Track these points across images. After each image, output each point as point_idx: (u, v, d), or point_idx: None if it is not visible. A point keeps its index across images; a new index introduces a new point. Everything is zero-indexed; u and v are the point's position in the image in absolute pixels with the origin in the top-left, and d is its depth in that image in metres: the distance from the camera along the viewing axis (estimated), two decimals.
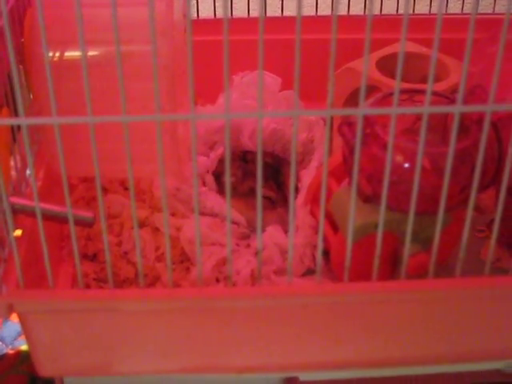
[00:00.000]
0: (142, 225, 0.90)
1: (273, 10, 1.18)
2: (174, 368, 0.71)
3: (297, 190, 0.92)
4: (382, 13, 1.16)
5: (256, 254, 0.84)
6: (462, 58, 0.54)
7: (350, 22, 1.07)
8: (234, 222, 0.90)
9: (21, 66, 0.79)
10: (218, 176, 0.97)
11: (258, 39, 0.51)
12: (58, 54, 0.74)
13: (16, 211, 0.67)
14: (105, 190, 0.95)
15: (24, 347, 0.85)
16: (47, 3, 0.74)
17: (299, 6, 0.50)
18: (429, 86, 0.54)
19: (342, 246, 0.71)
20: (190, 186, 0.91)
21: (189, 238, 0.86)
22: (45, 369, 0.70)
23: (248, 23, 1.10)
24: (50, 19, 0.72)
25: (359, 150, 0.58)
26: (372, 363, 0.73)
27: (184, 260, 0.86)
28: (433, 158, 0.69)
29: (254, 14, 1.16)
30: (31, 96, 0.79)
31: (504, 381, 0.77)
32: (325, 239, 0.82)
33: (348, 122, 0.71)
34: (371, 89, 0.87)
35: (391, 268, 0.77)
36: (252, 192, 0.95)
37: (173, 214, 0.91)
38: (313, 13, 1.16)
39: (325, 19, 1.11)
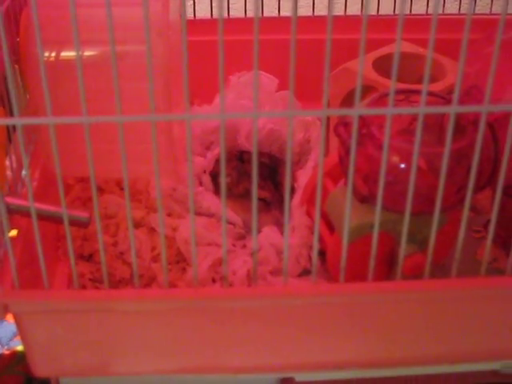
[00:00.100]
0: (138, 225, 0.89)
1: (270, 11, 1.18)
2: (169, 368, 0.71)
3: (293, 190, 0.92)
4: (379, 13, 1.16)
5: (252, 254, 0.84)
6: (459, 58, 0.54)
7: (346, 22, 1.07)
8: (230, 223, 0.90)
9: (17, 66, 0.79)
10: (214, 176, 0.97)
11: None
12: (53, 54, 0.74)
13: (11, 211, 0.67)
14: (101, 191, 0.95)
15: (20, 348, 0.85)
16: (43, 3, 0.74)
17: (295, 7, 0.50)
18: (424, 87, 0.54)
19: (338, 246, 0.71)
20: (186, 187, 0.90)
21: (185, 239, 0.86)
22: (40, 369, 0.70)
23: (245, 23, 1.10)
24: (46, 19, 0.72)
25: (355, 150, 0.57)
26: (368, 364, 0.73)
27: (180, 260, 0.86)
28: (429, 158, 0.69)
29: (251, 14, 1.16)
30: (27, 96, 0.79)
31: (501, 381, 0.77)
32: (321, 239, 0.82)
33: (344, 123, 0.71)
34: (368, 89, 0.87)
35: (387, 268, 0.77)
36: (248, 193, 0.95)
37: (169, 215, 0.91)
38: (310, 13, 1.16)
39: (322, 19, 1.11)
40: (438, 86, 0.88)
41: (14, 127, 0.73)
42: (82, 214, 0.69)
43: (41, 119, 0.58)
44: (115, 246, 0.87)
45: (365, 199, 0.72)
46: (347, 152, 0.70)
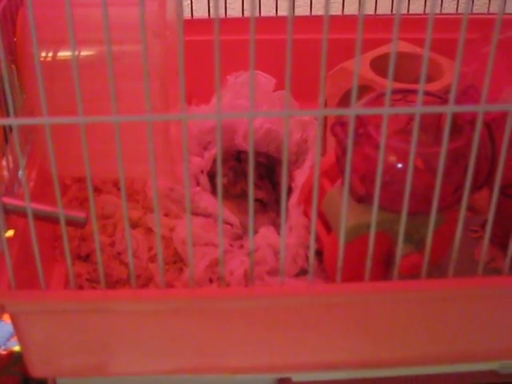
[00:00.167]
0: (135, 225, 0.89)
1: (268, 10, 1.18)
2: (166, 369, 0.71)
3: (291, 189, 0.92)
4: (377, 13, 1.15)
5: (249, 254, 0.84)
6: (460, 58, 0.54)
7: (344, 22, 1.07)
8: (227, 223, 0.90)
9: (13, 66, 0.79)
10: (212, 176, 0.97)
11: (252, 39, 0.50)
12: (51, 54, 0.74)
13: (8, 211, 0.67)
14: (98, 191, 0.95)
15: (17, 348, 0.85)
16: (41, 3, 0.74)
17: (291, 7, 0.50)
18: (421, 86, 0.54)
19: (335, 246, 0.71)
20: (183, 187, 0.90)
21: (182, 239, 0.85)
22: (37, 370, 0.70)
23: (242, 23, 1.10)
24: (43, 19, 0.72)
25: (351, 150, 0.57)
26: (365, 364, 0.73)
27: (177, 260, 0.86)
28: (426, 158, 0.69)
29: (249, 13, 1.16)
30: (24, 96, 0.79)
31: (499, 381, 0.76)
32: (318, 239, 0.82)
33: (341, 122, 0.71)
34: (365, 89, 0.87)
35: (385, 268, 0.77)
36: (244, 194, 0.94)
37: (166, 215, 0.91)
38: (307, 13, 1.16)
39: (319, 19, 1.11)
40: (435, 86, 0.88)
41: (10, 127, 0.73)
42: (78, 214, 0.69)
43: (36, 119, 0.58)
44: (112, 246, 0.87)
45: (362, 199, 0.72)
46: (344, 152, 0.70)
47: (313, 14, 1.16)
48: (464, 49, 0.53)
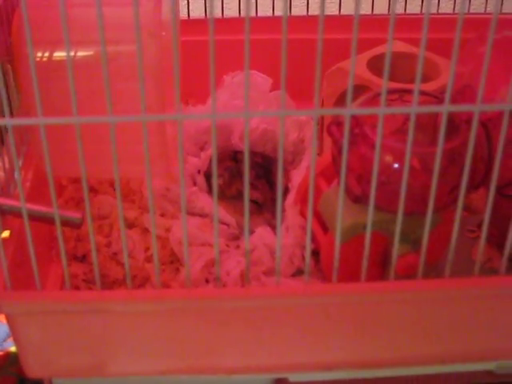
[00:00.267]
0: (131, 225, 0.89)
1: (265, 10, 1.18)
2: (162, 369, 0.71)
3: (287, 189, 0.92)
4: (373, 13, 1.15)
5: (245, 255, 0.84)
6: (456, 58, 0.54)
7: (340, 22, 1.07)
8: (223, 223, 0.90)
9: (9, 66, 0.78)
10: (209, 176, 0.97)
11: (250, 39, 0.50)
12: (47, 54, 0.74)
13: (4, 212, 0.67)
14: (94, 191, 0.95)
15: (13, 348, 0.85)
16: (37, 3, 0.74)
17: (286, 6, 0.50)
18: (416, 86, 0.54)
19: (331, 246, 0.70)
20: (179, 187, 0.90)
21: (178, 239, 0.85)
22: (33, 370, 0.70)
23: (239, 23, 1.09)
24: (39, 19, 0.72)
25: (347, 150, 0.57)
26: (361, 364, 0.73)
27: (174, 261, 0.86)
28: (422, 158, 0.69)
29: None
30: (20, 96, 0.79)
31: (496, 382, 0.76)
32: (315, 239, 0.82)
33: (337, 122, 0.71)
34: (362, 89, 0.87)
35: (381, 268, 0.77)
36: (240, 195, 0.94)
37: (162, 215, 0.91)
38: (304, 12, 1.16)
39: (316, 19, 1.10)
40: (431, 86, 0.88)
41: (6, 128, 0.73)
42: (74, 215, 0.69)
43: (31, 120, 0.58)
44: (109, 246, 0.87)
45: (358, 199, 0.71)
46: (340, 152, 0.70)
47: (310, 14, 1.16)
48: (460, 49, 0.53)
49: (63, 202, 0.93)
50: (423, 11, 1.16)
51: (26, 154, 0.85)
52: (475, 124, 0.57)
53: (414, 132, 0.57)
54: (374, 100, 0.72)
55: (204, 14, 1.13)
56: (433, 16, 1.13)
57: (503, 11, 1.14)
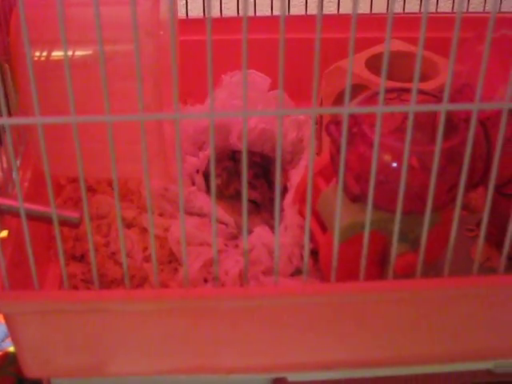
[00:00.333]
0: (129, 225, 0.89)
1: (264, 9, 1.18)
2: (161, 369, 0.71)
3: (286, 189, 0.92)
4: (372, 12, 1.15)
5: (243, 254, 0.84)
6: (454, 57, 0.54)
7: (339, 21, 1.07)
8: (222, 223, 0.90)
9: (7, 66, 0.78)
10: (207, 176, 0.97)
11: (249, 38, 0.50)
12: (45, 54, 0.73)
13: (2, 212, 0.66)
14: (93, 191, 0.95)
15: (12, 348, 0.85)
16: (35, 3, 0.74)
17: (283, 5, 0.50)
18: (414, 85, 0.54)
19: (330, 245, 0.70)
20: (178, 186, 0.90)
21: (177, 239, 0.85)
22: (31, 370, 0.70)
23: (238, 23, 1.09)
24: (37, 19, 0.72)
25: (345, 148, 0.57)
26: (360, 363, 0.73)
27: (172, 260, 0.86)
28: (421, 156, 0.68)
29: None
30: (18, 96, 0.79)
31: (494, 381, 0.76)
32: (313, 239, 0.82)
33: (335, 121, 0.71)
34: (361, 88, 0.87)
35: (380, 268, 0.76)
36: (238, 195, 0.94)
37: (161, 215, 0.90)
38: (303, 12, 1.16)
39: (314, 18, 1.10)
40: (430, 85, 0.88)
41: (4, 128, 0.73)
42: (72, 215, 0.68)
43: (28, 119, 0.58)
44: (107, 246, 0.87)
45: (356, 198, 0.71)
46: (339, 151, 0.70)
47: (308, 13, 1.15)
48: (459, 47, 0.53)
49: (62, 202, 0.93)
50: (422, 10, 1.16)
51: (24, 153, 0.85)
52: (473, 123, 0.56)
53: (413, 131, 0.56)
54: (372, 99, 0.72)
55: (202, 14, 1.14)
56: (431, 15, 1.13)
57: (502, 10, 1.14)
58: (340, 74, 0.92)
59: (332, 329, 0.69)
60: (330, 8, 1.20)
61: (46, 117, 0.54)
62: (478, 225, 0.90)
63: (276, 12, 1.15)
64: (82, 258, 0.87)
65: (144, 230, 0.89)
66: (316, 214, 0.79)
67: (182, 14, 1.12)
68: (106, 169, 0.60)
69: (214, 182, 0.58)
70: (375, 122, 0.57)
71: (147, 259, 0.86)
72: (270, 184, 0.99)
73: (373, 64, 0.93)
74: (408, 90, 0.73)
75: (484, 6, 1.18)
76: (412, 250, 0.72)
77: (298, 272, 0.84)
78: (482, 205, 0.91)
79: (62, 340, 0.68)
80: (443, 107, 0.55)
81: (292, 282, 0.82)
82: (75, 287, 0.83)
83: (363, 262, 0.62)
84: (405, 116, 0.73)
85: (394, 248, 0.64)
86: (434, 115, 0.73)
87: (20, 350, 0.68)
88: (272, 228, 0.88)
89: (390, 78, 0.85)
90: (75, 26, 0.68)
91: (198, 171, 0.97)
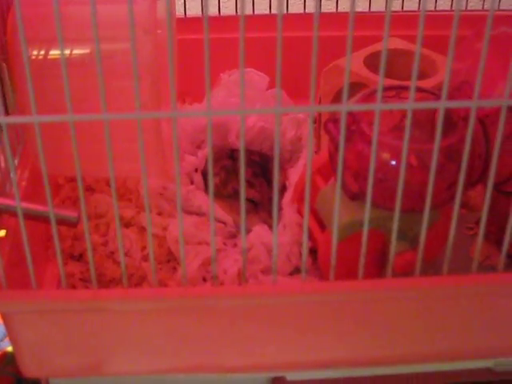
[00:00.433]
0: (128, 224, 0.89)
1: (262, 8, 1.17)
2: (159, 368, 0.71)
3: (285, 187, 0.92)
4: (371, 10, 1.15)
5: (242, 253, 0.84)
6: (452, 54, 0.54)
7: (338, 20, 1.07)
8: (220, 222, 0.90)
9: (4, 65, 0.78)
10: (206, 175, 0.96)
11: (248, 37, 0.50)
12: (42, 53, 0.73)
13: (0, 211, 0.66)
14: (91, 190, 0.95)
15: (10, 348, 0.84)
16: (33, 1, 0.74)
17: (280, 4, 0.50)
18: (412, 82, 0.54)
19: (329, 244, 0.70)
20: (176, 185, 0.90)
21: (175, 238, 0.85)
22: (30, 370, 0.70)
23: (236, 21, 1.09)
24: (35, 17, 0.72)
25: (344, 146, 0.57)
26: (359, 362, 0.72)
27: (171, 259, 0.86)
28: (419, 154, 0.68)
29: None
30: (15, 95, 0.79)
31: (494, 379, 0.76)
32: (312, 237, 0.82)
33: (334, 119, 0.71)
34: (359, 86, 0.87)
35: (379, 266, 0.76)
36: (236, 194, 0.94)
37: (159, 213, 0.90)
38: (301, 10, 1.15)
39: (313, 17, 1.10)
40: (429, 83, 0.88)
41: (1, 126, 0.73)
42: (70, 214, 0.68)
43: (25, 118, 0.58)
44: (105, 245, 0.87)
45: (355, 196, 0.71)
46: (337, 149, 0.70)
47: (307, 11, 1.15)
48: (458, 45, 0.53)
49: (60, 201, 0.93)
50: (420, 8, 1.16)
51: (22, 152, 0.85)
52: (472, 120, 0.56)
53: (412, 129, 0.56)
54: (370, 97, 0.72)
55: (200, 13, 1.13)
56: (430, 13, 1.13)
57: (501, 8, 1.14)
58: (338, 72, 0.92)
59: (331, 327, 0.69)
60: (328, 6, 1.19)
61: (42, 115, 0.54)
62: (478, 223, 0.89)
63: (274, 10, 1.15)
64: (81, 257, 0.87)
65: (142, 229, 0.89)
66: (315, 213, 0.79)
67: (180, 12, 1.12)
68: (105, 168, 0.60)
69: (211, 181, 0.58)
70: (374, 119, 0.57)
71: (146, 258, 0.85)
72: (269, 183, 0.99)
73: (371, 62, 0.93)
74: (407, 88, 0.73)
75: (483, 4, 1.18)
76: (411, 248, 0.72)
77: (297, 271, 0.84)
78: (481, 203, 0.91)
79: (60, 339, 0.68)
80: (442, 105, 0.55)
81: (291, 280, 0.82)
82: (74, 286, 0.83)
83: (362, 260, 0.62)
84: (403, 114, 0.73)
85: (393, 246, 0.63)
86: (432, 113, 0.72)
87: (18, 350, 0.68)
88: (271, 227, 0.88)
89: (388, 76, 0.85)
90: (73, 25, 0.68)
91: (196, 170, 0.97)
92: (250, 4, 1.15)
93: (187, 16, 1.14)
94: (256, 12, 1.17)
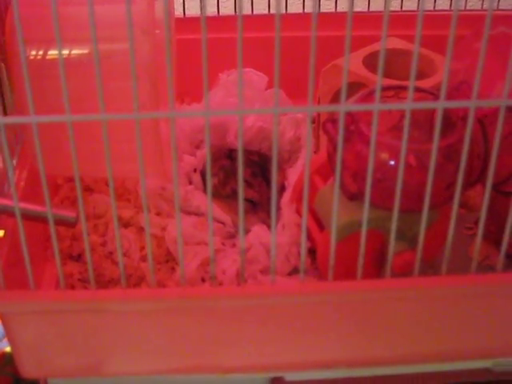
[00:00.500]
0: (127, 224, 0.89)
1: (261, 8, 1.17)
2: (158, 368, 0.71)
3: (283, 188, 0.92)
4: (370, 10, 1.15)
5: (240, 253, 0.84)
6: (451, 54, 0.53)
7: (337, 19, 1.06)
8: (219, 222, 0.90)
9: (3, 65, 0.78)
10: (205, 175, 0.96)
11: (246, 37, 0.50)
12: (41, 53, 0.73)
13: None
14: (90, 190, 0.95)
15: (9, 349, 0.84)
16: (31, 1, 0.74)
17: (278, 4, 0.50)
18: (411, 82, 0.54)
19: (327, 244, 0.70)
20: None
21: (174, 238, 0.85)
22: (28, 370, 0.70)
23: (235, 21, 1.09)
24: (34, 17, 0.72)
25: (342, 146, 0.57)
26: (358, 362, 0.72)
27: (169, 260, 0.86)
28: (418, 154, 0.68)
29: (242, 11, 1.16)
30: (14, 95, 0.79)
31: (493, 379, 0.76)
32: (311, 238, 0.81)
33: (332, 119, 0.71)
34: (358, 86, 0.87)
35: (378, 266, 0.76)
36: (234, 194, 0.94)
37: (158, 214, 0.90)
38: (300, 10, 1.15)
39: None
40: (428, 83, 0.88)
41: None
42: (68, 214, 0.68)
43: (23, 118, 0.58)
44: (104, 245, 0.87)
45: (354, 196, 0.71)
46: (336, 149, 0.70)
47: (306, 11, 1.15)
48: (456, 45, 0.53)
49: (59, 201, 0.93)
50: (419, 8, 1.16)
51: (20, 153, 0.85)
52: (471, 120, 0.56)
53: (411, 129, 0.56)
54: (369, 97, 0.72)
55: (199, 13, 1.13)
56: (429, 13, 1.13)
57: (500, 8, 1.14)
58: (337, 72, 0.92)
59: (330, 328, 0.69)
60: (327, 6, 1.19)
61: (40, 116, 0.54)
62: (477, 223, 0.89)
63: (273, 10, 1.15)
64: (79, 258, 0.87)
65: (141, 230, 0.89)
66: (313, 213, 0.79)
67: (179, 12, 1.12)
68: (103, 168, 0.60)
69: (209, 181, 0.58)
70: (372, 120, 0.57)
71: (144, 259, 0.85)
72: (268, 183, 0.98)
73: (370, 62, 0.93)
74: (406, 88, 0.73)
75: (482, 4, 1.18)
76: (410, 248, 0.72)
77: (295, 271, 0.84)
78: (480, 203, 0.91)
79: (58, 340, 0.68)
80: (440, 105, 0.55)
81: (290, 280, 0.82)
82: (72, 287, 0.83)
83: (361, 260, 0.62)
84: (402, 114, 0.73)
85: (392, 246, 0.63)
86: (431, 113, 0.72)
87: (16, 350, 0.68)
88: (270, 227, 0.88)
89: (387, 75, 0.85)
90: (72, 25, 0.68)
91: (195, 170, 0.96)
92: (248, 4, 1.14)
93: (186, 16, 1.14)
94: (255, 12, 1.17)
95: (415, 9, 1.17)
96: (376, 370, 0.74)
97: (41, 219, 0.66)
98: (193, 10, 1.15)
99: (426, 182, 0.59)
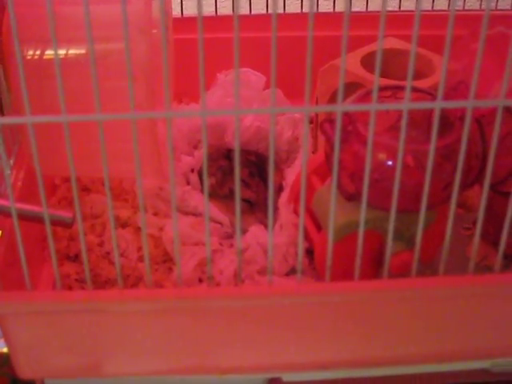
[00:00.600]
0: (124, 225, 0.89)
1: (260, 8, 1.17)
2: (155, 369, 0.71)
3: (281, 188, 0.92)
4: (368, 10, 1.15)
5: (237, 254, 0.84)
6: (448, 54, 0.53)
7: (335, 19, 1.06)
8: (217, 222, 0.90)
9: (0, 65, 0.78)
10: (202, 175, 0.96)
11: (244, 37, 0.50)
12: (38, 53, 0.73)
13: None
14: (87, 190, 0.95)
15: (5, 349, 0.84)
16: (28, 1, 0.74)
17: (275, 3, 0.50)
18: (408, 82, 0.54)
19: (325, 244, 0.70)
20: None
21: (171, 238, 0.85)
22: (25, 371, 0.70)
23: (233, 21, 1.09)
24: (30, 17, 0.72)
25: (339, 147, 0.57)
26: (356, 363, 0.72)
27: (167, 260, 0.86)
28: (416, 155, 0.68)
29: (240, 11, 1.16)
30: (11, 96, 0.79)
31: (491, 380, 0.76)
32: (308, 238, 0.81)
33: (330, 120, 0.71)
34: (356, 86, 0.87)
35: (376, 267, 0.76)
36: (232, 194, 0.94)
37: (155, 214, 0.90)
38: (298, 10, 1.15)
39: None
40: (425, 83, 0.88)
41: None
42: (65, 214, 0.68)
43: (19, 118, 0.58)
44: (101, 245, 0.87)
45: (351, 197, 0.71)
46: (333, 149, 0.70)
47: (303, 11, 1.15)
48: (454, 45, 0.53)
49: (56, 202, 0.93)
50: (416, 8, 1.16)
51: (17, 153, 0.85)
52: (468, 120, 0.56)
53: (409, 129, 0.56)
54: (366, 97, 0.72)
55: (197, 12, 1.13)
56: (427, 13, 1.13)
57: (498, 8, 1.14)
58: (335, 72, 0.92)
59: (327, 328, 0.69)
60: (326, 6, 1.19)
61: (36, 116, 0.54)
62: (475, 223, 0.89)
63: (271, 10, 1.15)
64: (76, 258, 0.87)
65: (139, 230, 0.88)
66: (311, 213, 0.79)
67: (177, 12, 1.12)
68: (101, 168, 0.60)
69: (206, 181, 0.58)
70: (370, 120, 0.56)
71: (142, 259, 0.85)
72: (266, 183, 0.99)
73: (368, 62, 0.92)
74: (403, 88, 0.73)
75: (480, 4, 1.18)
76: (407, 248, 0.72)
77: (293, 271, 0.83)
78: (478, 203, 0.91)
79: (55, 340, 0.68)
80: (438, 105, 0.55)
81: (287, 281, 0.81)
82: (69, 287, 0.82)
83: (358, 261, 0.62)
84: (400, 114, 0.72)
85: (389, 247, 0.63)
86: (429, 113, 0.72)
87: (13, 351, 0.68)
88: (267, 227, 0.88)
89: (385, 75, 0.85)
90: (69, 25, 0.68)
91: (192, 170, 0.96)
92: (246, 4, 1.14)
93: (184, 15, 1.13)
94: (253, 12, 1.16)
95: (413, 9, 1.16)
96: (373, 370, 0.74)
97: (37, 219, 0.66)
98: (191, 10, 1.14)
99: (424, 182, 0.59)
